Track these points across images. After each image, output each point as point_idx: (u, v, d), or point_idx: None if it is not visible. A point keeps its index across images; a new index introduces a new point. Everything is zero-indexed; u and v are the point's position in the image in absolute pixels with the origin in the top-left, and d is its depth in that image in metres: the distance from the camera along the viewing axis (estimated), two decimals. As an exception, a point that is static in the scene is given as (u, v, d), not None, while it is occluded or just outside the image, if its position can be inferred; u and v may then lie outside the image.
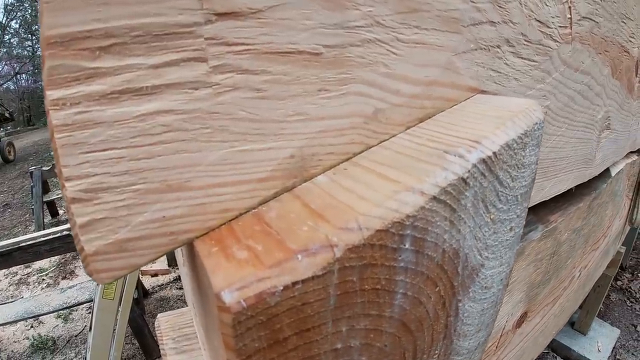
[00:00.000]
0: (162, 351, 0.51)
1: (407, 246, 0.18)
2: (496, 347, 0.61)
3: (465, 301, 0.25)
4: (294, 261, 0.15)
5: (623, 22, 0.59)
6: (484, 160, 0.21)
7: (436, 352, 0.26)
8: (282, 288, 0.15)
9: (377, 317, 0.19)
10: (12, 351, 2.33)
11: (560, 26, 0.43)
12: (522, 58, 0.39)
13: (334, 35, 0.21)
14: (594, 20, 0.50)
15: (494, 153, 0.21)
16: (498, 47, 0.35)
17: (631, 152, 0.90)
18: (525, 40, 0.38)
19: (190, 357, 0.49)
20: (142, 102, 0.16)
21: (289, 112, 0.20)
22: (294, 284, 0.15)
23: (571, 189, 0.62)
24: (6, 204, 5.01)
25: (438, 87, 0.28)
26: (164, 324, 0.51)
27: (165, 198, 0.18)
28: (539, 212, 0.60)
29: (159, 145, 0.17)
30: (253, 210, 0.20)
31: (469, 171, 0.20)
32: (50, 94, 0.16)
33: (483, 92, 0.33)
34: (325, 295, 0.16)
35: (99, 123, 0.16)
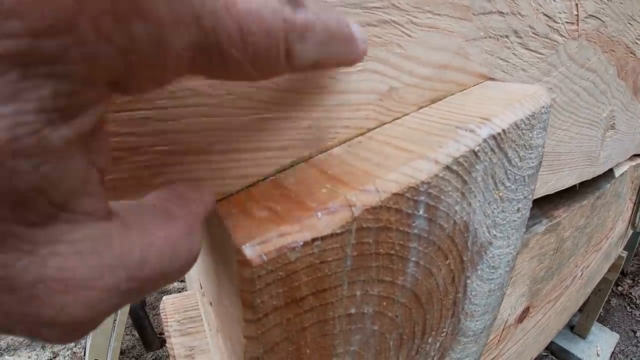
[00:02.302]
0: (166, 333, 0.51)
1: (420, 213, 0.18)
2: (498, 341, 0.62)
3: (474, 279, 0.26)
4: (313, 219, 0.16)
5: (629, 23, 0.59)
6: (493, 137, 0.21)
7: (444, 329, 0.27)
8: (302, 244, 0.16)
9: (390, 284, 0.20)
10: (12, 339, 2.34)
11: (567, 22, 0.44)
12: (529, 50, 0.39)
13: (353, 14, 0.22)
14: (600, 19, 0.50)
15: (503, 130, 0.22)
16: (507, 37, 0.36)
17: (635, 155, 0.90)
18: (533, 33, 0.39)
19: (194, 339, 0.49)
20: (170, 65, 0.17)
21: (309, 84, 0.20)
22: (314, 240, 0.16)
23: (575, 186, 0.63)
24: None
25: (449, 71, 0.29)
26: (169, 306, 0.52)
27: (187, 160, 0.18)
28: (544, 206, 0.60)
29: (185, 108, 0.18)
30: (271, 178, 0.20)
31: (479, 145, 0.20)
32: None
33: (492, 79, 0.34)
34: (343, 254, 0.17)
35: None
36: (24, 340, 2.32)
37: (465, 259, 0.23)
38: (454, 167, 0.19)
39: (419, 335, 0.24)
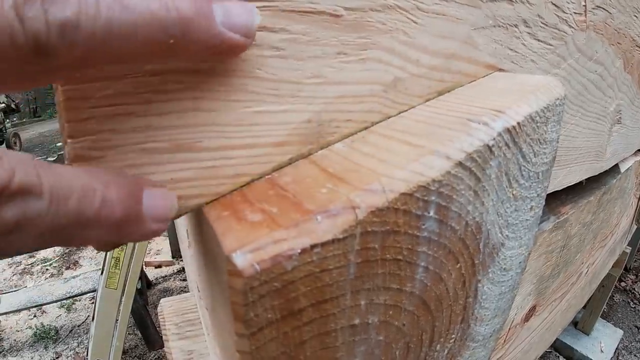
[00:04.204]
0: (164, 337, 0.50)
1: (431, 214, 0.17)
2: (504, 341, 0.61)
3: (485, 282, 0.24)
4: (312, 223, 0.14)
5: (635, 16, 0.58)
6: (508, 130, 0.20)
7: (453, 336, 0.25)
8: (299, 251, 0.14)
9: (397, 291, 0.18)
10: (15, 340, 2.34)
11: (575, 12, 0.42)
12: (538, 40, 0.38)
13: (356, -1, 0.20)
14: (607, 11, 0.49)
15: (518, 123, 0.20)
16: (516, 26, 0.35)
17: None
18: (542, 23, 0.38)
19: (193, 342, 0.48)
20: (154, 54, 0.15)
21: (307, 73, 0.19)
22: (313, 247, 0.14)
23: (582, 182, 0.61)
24: (10, 195, 5.01)
25: (457, 61, 0.27)
26: (167, 309, 0.50)
27: (175, 159, 0.17)
28: (551, 203, 0.59)
29: (171, 102, 0.16)
30: (267, 176, 0.19)
31: (494, 139, 0.19)
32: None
33: (501, 70, 0.32)
34: (345, 262, 0.15)
35: (109, 76, 0.15)
36: (26, 341, 2.32)
37: (476, 262, 0.22)
38: (467, 164, 0.17)
39: (426, 343, 0.23)
